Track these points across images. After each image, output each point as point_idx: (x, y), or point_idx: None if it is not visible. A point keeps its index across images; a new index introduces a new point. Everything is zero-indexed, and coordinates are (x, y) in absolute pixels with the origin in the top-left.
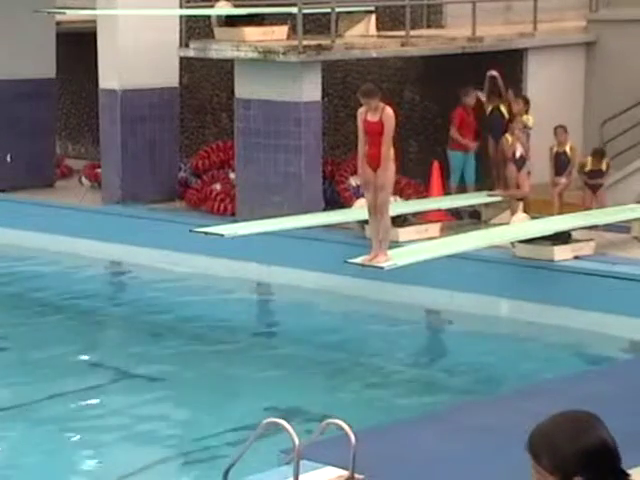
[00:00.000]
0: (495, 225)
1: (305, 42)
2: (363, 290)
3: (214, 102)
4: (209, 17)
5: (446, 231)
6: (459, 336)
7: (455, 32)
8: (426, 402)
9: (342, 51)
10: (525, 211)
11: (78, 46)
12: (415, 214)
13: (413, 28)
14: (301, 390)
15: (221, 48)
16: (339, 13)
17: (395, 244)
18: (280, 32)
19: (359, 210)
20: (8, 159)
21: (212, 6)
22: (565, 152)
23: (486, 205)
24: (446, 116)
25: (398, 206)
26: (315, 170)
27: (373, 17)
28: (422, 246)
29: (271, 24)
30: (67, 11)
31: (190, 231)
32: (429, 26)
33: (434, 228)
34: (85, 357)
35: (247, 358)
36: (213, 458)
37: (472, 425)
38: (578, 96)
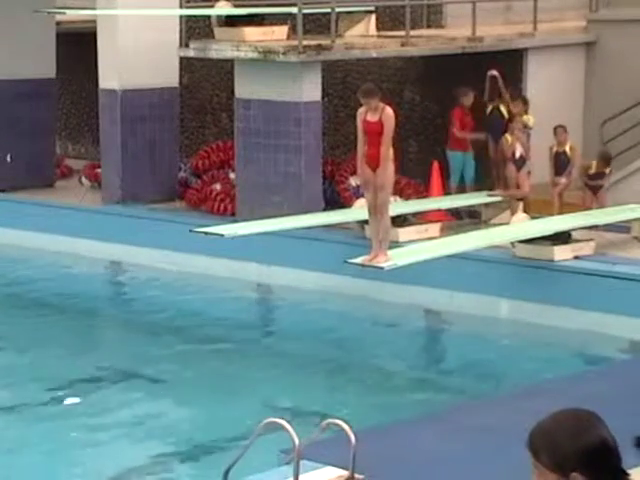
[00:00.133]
0: (495, 225)
1: (305, 42)
2: (363, 290)
3: (214, 102)
4: (209, 17)
5: (446, 231)
6: (459, 336)
7: (455, 32)
8: (426, 402)
9: (342, 51)
10: (525, 211)
11: (78, 46)
12: (415, 214)
13: (413, 28)
14: (301, 390)
15: (221, 48)
16: (339, 13)
17: (395, 244)
18: (280, 32)
19: (359, 210)
20: (8, 159)
21: (212, 6)
22: (565, 152)
23: (486, 205)
24: (446, 116)
25: (398, 206)
26: (315, 170)
27: (373, 17)
28: (422, 246)
29: (271, 24)
30: (67, 11)
31: (190, 231)
32: (429, 26)
33: (434, 228)
34: (85, 357)
35: (247, 358)
36: (213, 458)
37: (472, 425)
38: (578, 96)
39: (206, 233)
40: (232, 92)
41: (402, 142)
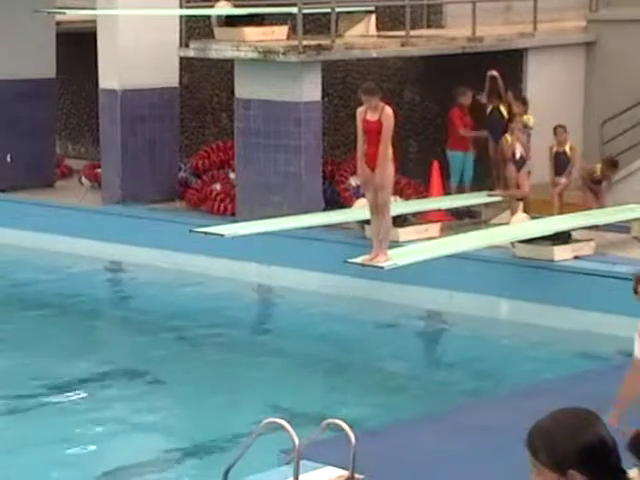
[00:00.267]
0: (495, 225)
1: (305, 42)
2: (363, 290)
3: (214, 102)
4: (209, 17)
5: (446, 231)
6: (459, 336)
7: (455, 32)
8: (426, 402)
9: (342, 51)
10: (525, 211)
11: (78, 46)
12: (415, 214)
13: (413, 28)
14: (301, 390)
15: (221, 48)
16: (339, 13)
17: (395, 244)
18: (280, 32)
19: (359, 210)
20: (8, 159)
21: (212, 6)
22: (565, 152)
23: (486, 205)
24: (446, 116)
25: (398, 206)
26: (315, 170)
27: (373, 17)
28: (422, 246)
29: (271, 24)
30: (67, 11)
31: (190, 231)
32: (429, 26)
33: (434, 228)
34: (85, 357)
35: (247, 358)
36: (213, 458)
37: (472, 425)
38: (578, 96)
39: (206, 233)
40: (232, 92)
41: (402, 142)
